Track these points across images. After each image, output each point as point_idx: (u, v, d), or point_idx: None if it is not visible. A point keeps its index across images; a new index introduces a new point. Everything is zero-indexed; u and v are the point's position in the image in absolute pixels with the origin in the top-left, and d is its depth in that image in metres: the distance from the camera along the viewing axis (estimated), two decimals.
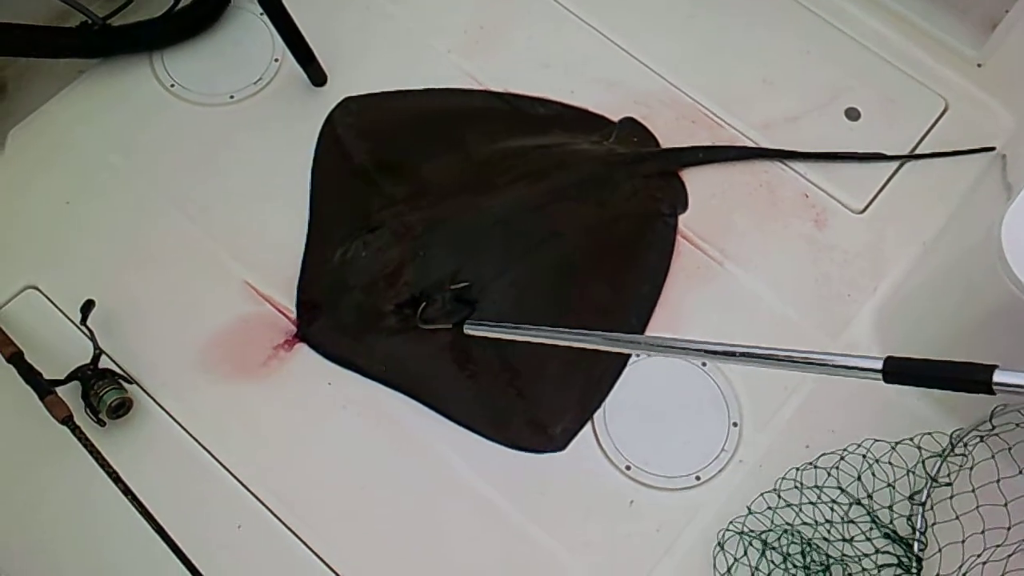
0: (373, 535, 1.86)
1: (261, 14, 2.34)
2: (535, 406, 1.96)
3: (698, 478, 1.91)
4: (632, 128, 2.30)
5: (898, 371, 1.15)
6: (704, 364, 2.02)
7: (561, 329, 1.65)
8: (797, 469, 1.88)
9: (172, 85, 2.28)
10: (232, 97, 2.28)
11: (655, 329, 2.05)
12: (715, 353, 1.39)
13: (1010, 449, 1.71)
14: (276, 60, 2.33)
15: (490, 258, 2.03)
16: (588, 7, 2.46)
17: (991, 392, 1.05)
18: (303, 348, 2.00)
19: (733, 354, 1.34)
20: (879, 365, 1.16)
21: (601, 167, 2.20)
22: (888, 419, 1.88)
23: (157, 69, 2.30)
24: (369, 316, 1.98)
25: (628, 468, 1.92)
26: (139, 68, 2.29)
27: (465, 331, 1.86)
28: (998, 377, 1.04)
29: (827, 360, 1.24)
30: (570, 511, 1.89)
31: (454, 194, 2.13)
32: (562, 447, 1.93)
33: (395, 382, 1.97)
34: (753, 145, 2.30)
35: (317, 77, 2.30)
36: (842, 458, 1.87)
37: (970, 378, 1.07)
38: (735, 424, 1.97)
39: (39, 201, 2.12)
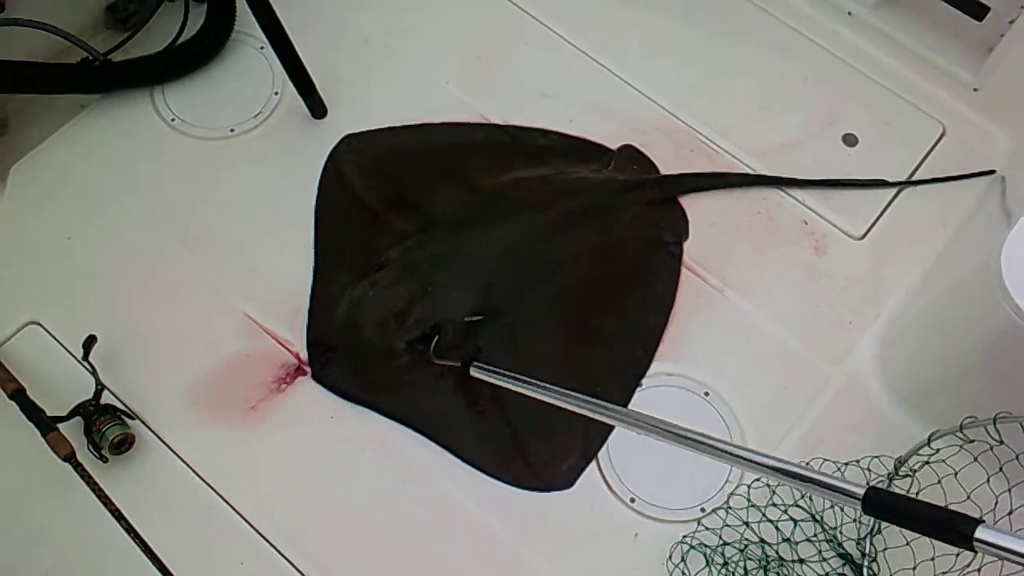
0: (377, 570, 1.85)
1: (261, 48, 2.37)
2: (542, 444, 1.95)
3: (703, 510, 1.90)
4: (631, 155, 2.31)
5: (878, 504, 1.10)
6: (707, 394, 2.02)
7: (562, 389, 1.63)
8: (748, 487, 1.87)
9: (173, 119, 2.30)
10: (233, 131, 2.29)
11: (658, 358, 2.05)
12: (711, 448, 1.35)
13: (956, 474, 1.71)
14: (276, 93, 2.35)
15: (498, 290, 2.04)
16: (585, 36, 2.48)
17: (972, 550, 0.99)
18: (305, 381, 2.00)
19: (729, 453, 1.30)
20: (860, 493, 1.11)
21: (603, 195, 2.21)
22: (892, 448, 1.87)
23: (158, 104, 2.31)
24: (381, 355, 1.98)
25: (632, 500, 1.91)
26: (140, 103, 2.31)
27: (471, 372, 1.86)
28: (981, 534, 0.97)
29: (812, 476, 1.18)
30: (575, 544, 1.88)
31: (459, 228, 2.13)
32: (569, 485, 1.92)
33: (409, 421, 1.96)
34: (751, 172, 2.30)
35: (317, 109, 2.32)
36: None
37: (952, 528, 1.00)
38: None
39: (41, 237, 2.13)
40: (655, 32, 2.50)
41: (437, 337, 1.93)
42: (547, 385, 1.65)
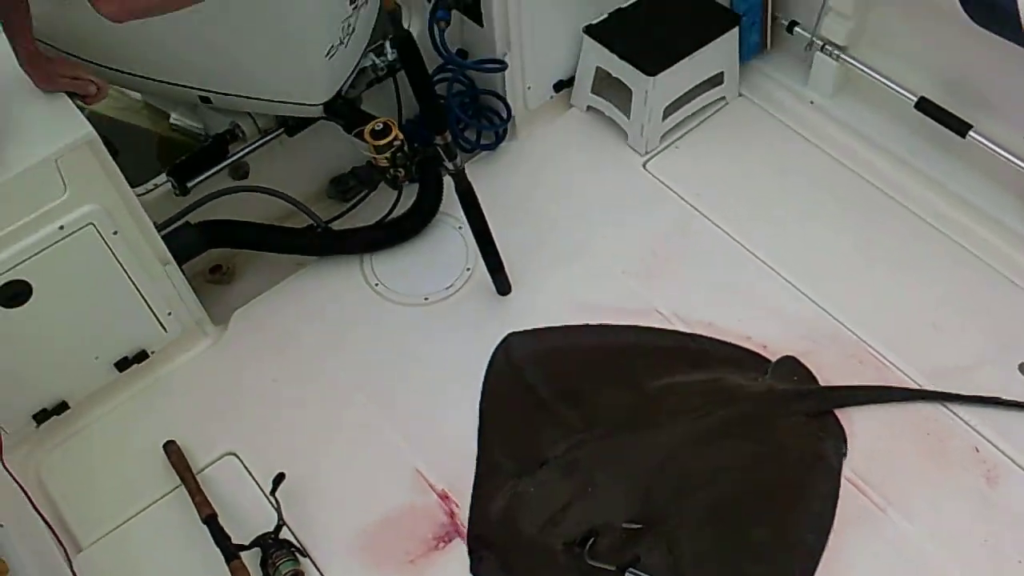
0: None
1: (459, 227, 2.63)
2: None
3: None
4: (791, 367, 2.34)
5: None
6: None
7: None
8: None
9: (376, 284, 2.56)
10: (426, 299, 2.53)
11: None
12: None
13: None
14: (468, 269, 2.58)
15: (656, 496, 2.08)
16: (760, 242, 2.58)
17: None
18: (460, 545, 2.09)
19: None
20: None
21: (761, 405, 2.25)
22: None
23: (365, 269, 2.59)
24: (538, 554, 2.02)
25: None
26: (350, 267, 2.60)
27: None
28: None
29: None
30: None
31: (621, 430, 2.20)
32: None
33: None
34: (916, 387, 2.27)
35: (503, 287, 2.52)
36: None
37: None
38: None
39: (250, 376, 2.39)
40: (830, 241, 2.57)
41: (593, 539, 1.98)
42: None
